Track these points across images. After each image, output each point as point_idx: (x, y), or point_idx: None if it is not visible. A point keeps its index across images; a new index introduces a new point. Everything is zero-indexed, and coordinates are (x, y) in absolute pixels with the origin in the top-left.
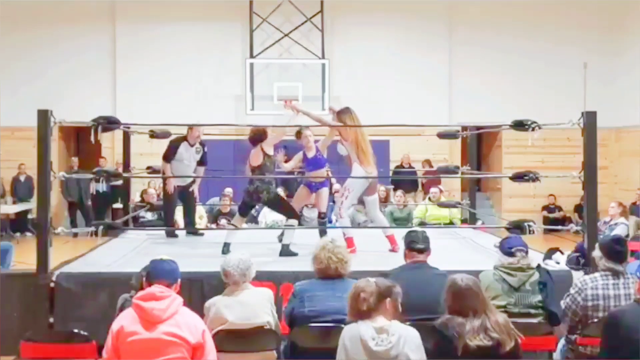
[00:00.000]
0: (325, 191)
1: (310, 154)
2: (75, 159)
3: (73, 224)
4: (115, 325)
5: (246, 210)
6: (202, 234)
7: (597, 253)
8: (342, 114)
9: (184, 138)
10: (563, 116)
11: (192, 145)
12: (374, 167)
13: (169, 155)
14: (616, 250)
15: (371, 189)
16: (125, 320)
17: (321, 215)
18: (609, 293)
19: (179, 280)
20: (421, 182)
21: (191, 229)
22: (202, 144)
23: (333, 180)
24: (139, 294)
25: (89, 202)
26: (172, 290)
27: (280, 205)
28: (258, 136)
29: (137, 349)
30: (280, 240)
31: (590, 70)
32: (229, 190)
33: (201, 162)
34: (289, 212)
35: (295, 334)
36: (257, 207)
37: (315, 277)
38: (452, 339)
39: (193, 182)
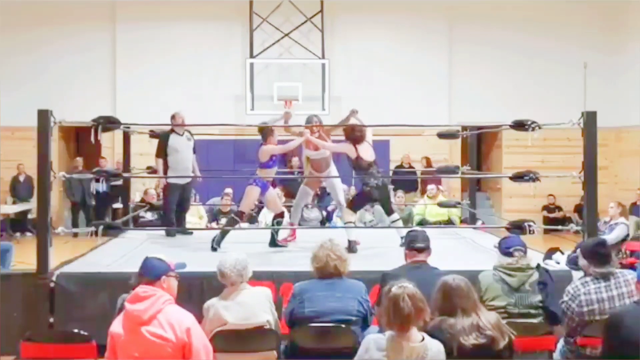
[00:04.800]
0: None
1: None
2: (79, 159)
3: (75, 224)
4: (111, 327)
5: (360, 205)
6: (190, 233)
7: (582, 262)
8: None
9: (171, 130)
10: (563, 116)
11: (181, 135)
12: None
13: (160, 150)
14: (600, 254)
15: None
16: (118, 322)
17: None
18: (603, 296)
19: (163, 276)
20: (420, 181)
21: (182, 229)
22: (191, 133)
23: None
24: (129, 296)
25: (93, 202)
26: (158, 287)
27: (387, 203)
28: (363, 133)
29: (127, 351)
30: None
31: (590, 70)
32: (229, 190)
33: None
34: (390, 209)
35: (295, 334)
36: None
37: (315, 278)
38: (446, 340)
39: (192, 180)
